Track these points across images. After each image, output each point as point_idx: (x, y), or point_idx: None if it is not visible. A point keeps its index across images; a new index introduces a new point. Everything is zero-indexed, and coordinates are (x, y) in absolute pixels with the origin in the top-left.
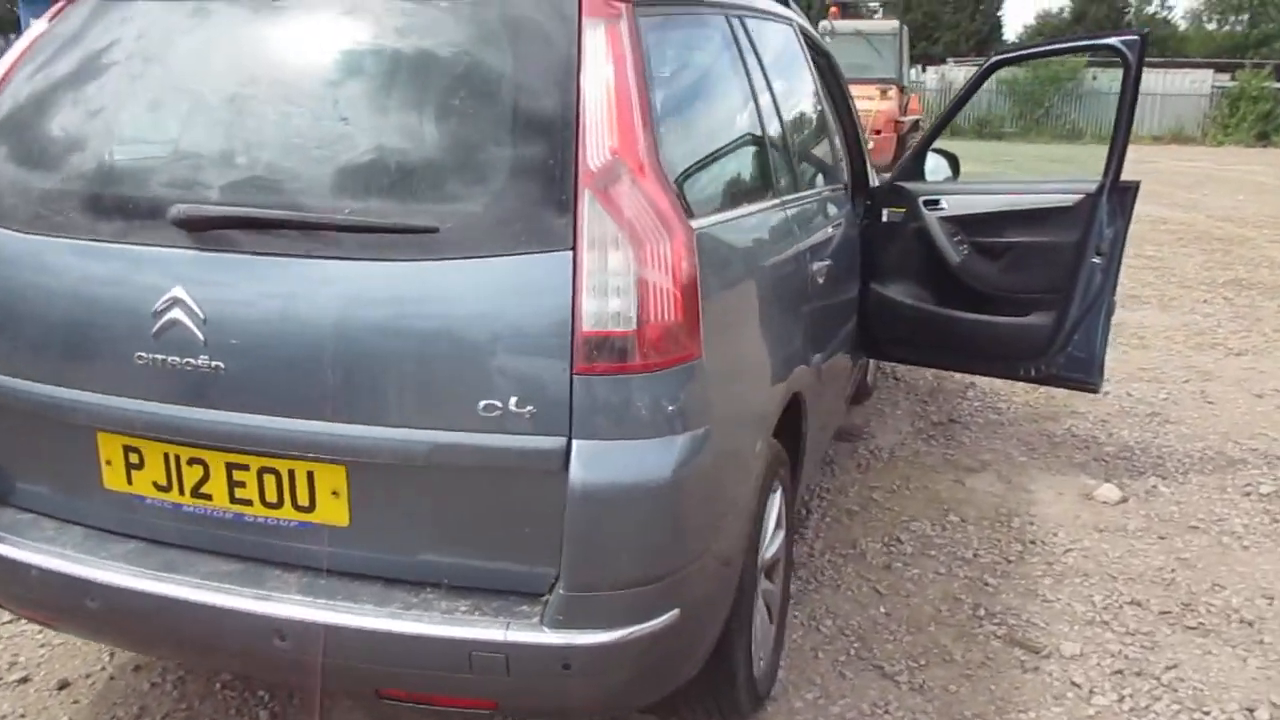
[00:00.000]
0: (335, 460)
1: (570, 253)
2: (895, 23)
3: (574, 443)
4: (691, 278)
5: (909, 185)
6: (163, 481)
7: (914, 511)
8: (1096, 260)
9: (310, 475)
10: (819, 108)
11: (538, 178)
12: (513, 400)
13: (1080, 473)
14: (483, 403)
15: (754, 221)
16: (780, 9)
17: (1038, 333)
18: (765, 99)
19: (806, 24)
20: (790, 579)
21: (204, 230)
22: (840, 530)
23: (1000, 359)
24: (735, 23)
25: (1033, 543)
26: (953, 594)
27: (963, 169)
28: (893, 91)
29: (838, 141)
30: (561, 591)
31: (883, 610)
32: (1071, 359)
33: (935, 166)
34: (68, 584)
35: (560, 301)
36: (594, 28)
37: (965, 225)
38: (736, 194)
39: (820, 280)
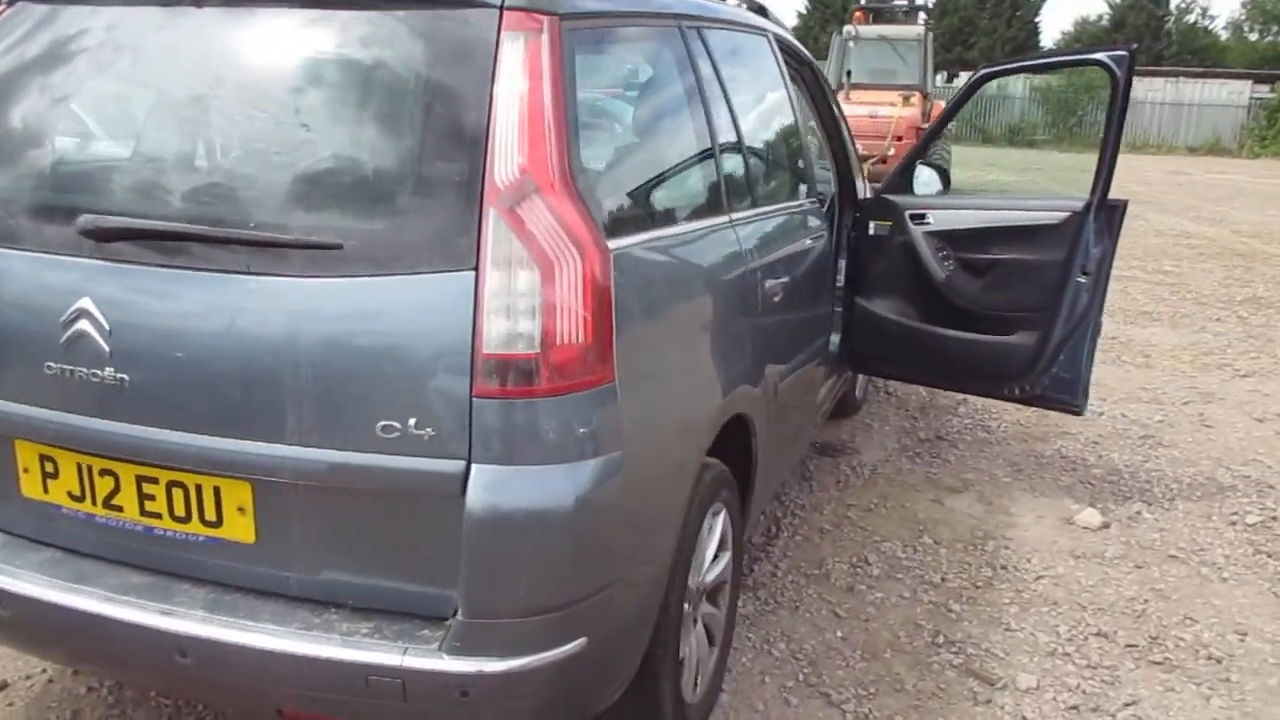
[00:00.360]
0: (240, 477)
1: (473, 272)
2: (920, 28)
3: (473, 467)
4: (603, 300)
5: (896, 198)
6: (76, 491)
7: (887, 532)
8: (1082, 280)
9: (217, 490)
10: (793, 120)
11: (445, 195)
12: (412, 422)
13: (1064, 496)
14: (381, 423)
15: (692, 240)
16: (750, 18)
17: (1021, 352)
18: (720, 112)
19: (785, 33)
20: (737, 602)
21: (109, 241)
22: (809, 549)
23: (984, 378)
24: (690, 34)
25: (1004, 568)
26: (914, 619)
27: (990, 176)
28: (916, 98)
29: (814, 154)
30: (460, 618)
31: (839, 634)
32: (1056, 380)
33: (927, 179)
34: None
35: (462, 322)
36: (513, 41)
37: (951, 240)
38: (673, 211)
39: (777, 297)
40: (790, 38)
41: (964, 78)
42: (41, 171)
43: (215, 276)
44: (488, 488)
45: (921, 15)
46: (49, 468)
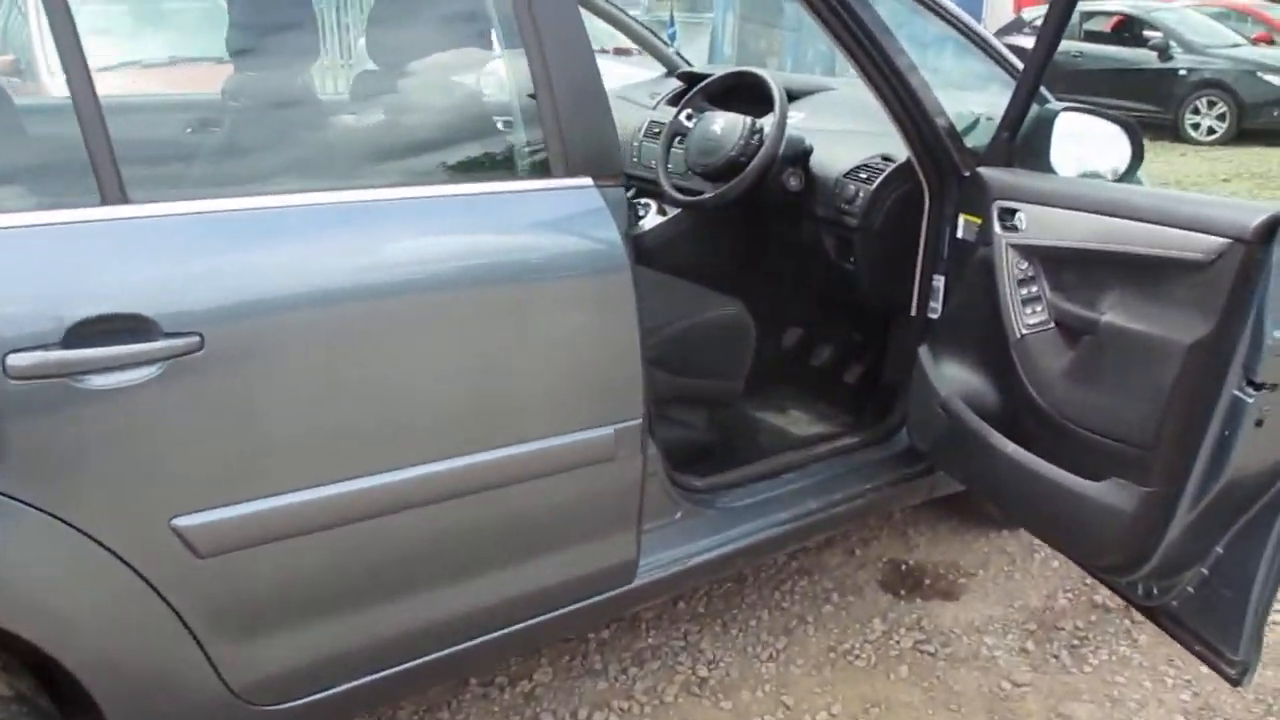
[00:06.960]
0: None
1: None
2: None
3: None
4: None
5: (991, 174)
6: None
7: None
8: (1249, 396)
9: None
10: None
11: None
12: None
13: None
14: None
15: None
16: None
17: (1114, 520)
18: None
19: None
20: None
21: None
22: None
23: (1069, 543)
24: None
25: None
26: None
27: None
28: None
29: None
30: None
31: None
32: (1206, 593)
33: (1091, 142)
34: None
35: None
36: None
37: (1051, 267)
38: None
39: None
40: None
41: None
42: None
43: None
44: None
45: None
46: None
